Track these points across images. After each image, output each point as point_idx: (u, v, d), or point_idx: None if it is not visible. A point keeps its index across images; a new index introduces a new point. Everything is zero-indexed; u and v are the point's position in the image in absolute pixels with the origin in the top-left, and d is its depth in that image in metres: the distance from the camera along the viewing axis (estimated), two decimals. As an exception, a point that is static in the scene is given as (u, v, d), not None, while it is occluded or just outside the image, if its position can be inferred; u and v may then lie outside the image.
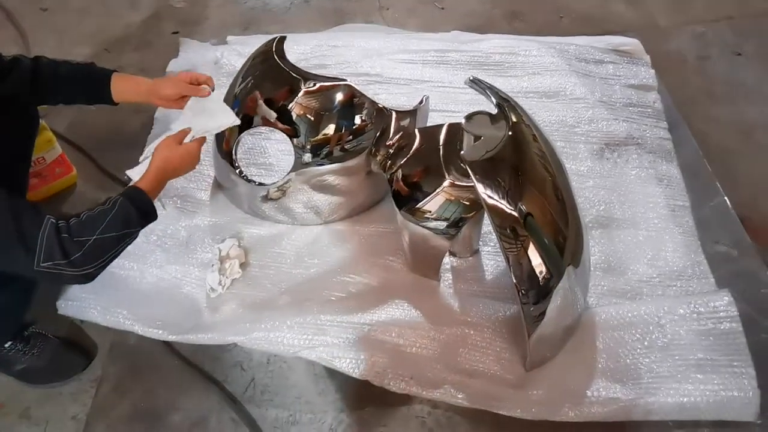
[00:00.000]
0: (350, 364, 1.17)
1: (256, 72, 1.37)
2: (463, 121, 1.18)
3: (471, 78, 1.18)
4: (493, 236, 1.25)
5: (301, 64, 1.92)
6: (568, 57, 1.86)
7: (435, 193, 1.24)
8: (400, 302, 1.25)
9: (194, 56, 2.02)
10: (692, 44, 2.03)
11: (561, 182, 1.15)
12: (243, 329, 1.21)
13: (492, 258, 1.38)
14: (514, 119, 1.14)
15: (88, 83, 1.27)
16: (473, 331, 1.21)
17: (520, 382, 1.15)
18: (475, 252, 1.40)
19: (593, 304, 1.27)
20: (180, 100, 1.30)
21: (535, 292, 1.09)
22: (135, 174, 1.22)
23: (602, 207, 1.47)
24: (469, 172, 1.05)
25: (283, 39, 1.36)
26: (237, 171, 1.41)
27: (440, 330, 1.21)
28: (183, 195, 1.54)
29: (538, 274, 1.08)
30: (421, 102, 1.39)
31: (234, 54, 1.94)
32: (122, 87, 1.27)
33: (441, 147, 1.27)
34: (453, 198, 1.23)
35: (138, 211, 1.08)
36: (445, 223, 1.23)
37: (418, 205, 1.25)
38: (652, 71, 1.82)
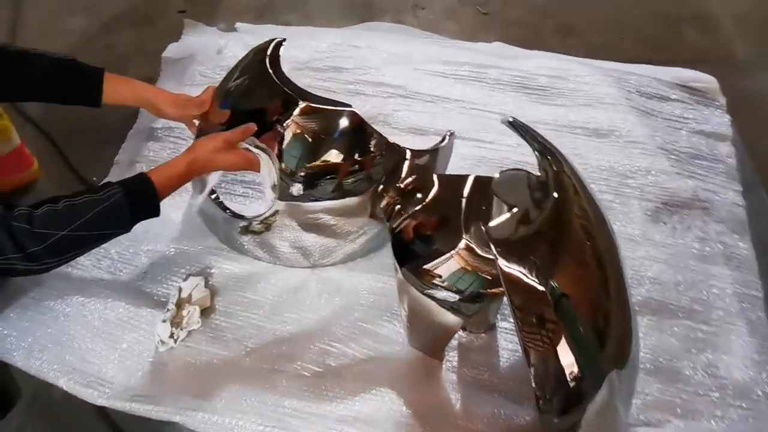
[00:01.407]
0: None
1: (250, 75, 1.11)
2: (496, 175, 0.91)
3: (510, 119, 0.91)
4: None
5: (315, 64, 1.69)
6: (628, 89, 1.57)
7: (449, 254, 0.99)
8: (386, 391, 0.99)
9: (196, 42, 1.77)
10: (776, 86, 1.73)
11: (607, 250, 0.88)
12: (188, 403, 0.97)
13: (511, 338, 1.11)
14: (554, 168, 0.87)
15: (72, 82, 1.07)
16: (477, 442, 0.95)
17: None
18: (491, 328, 1.14)
19: (635, 420, 1.00)
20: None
21: (562, 401, 0.82)
22: None
23: (654, 286, 1.19)
24: (493, 250, 0.78)
25: (279, 44, 1.10)
26: (212, 195, 1.16)
27: (435, 437, 0.95)
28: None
29: (568, 376, 0.81)
30: (443, 140, 1.12)
31: (239, 45, 1.68)
32: (116, 89, 1.09)
33: (464, 199, 1.01)
34: (470, 267, 0.97)
35: (134, 210, 0.90)
36: (457, 296, 0.98)
37: (426, 266, 1.00)
38: (727, 118, 1.51)
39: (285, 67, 1.65)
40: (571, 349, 0.80)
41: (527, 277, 0.80)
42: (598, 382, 0.83)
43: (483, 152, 1.44)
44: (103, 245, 1.19)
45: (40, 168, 1.45)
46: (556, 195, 0.84)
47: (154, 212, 0.93)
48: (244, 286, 1.18)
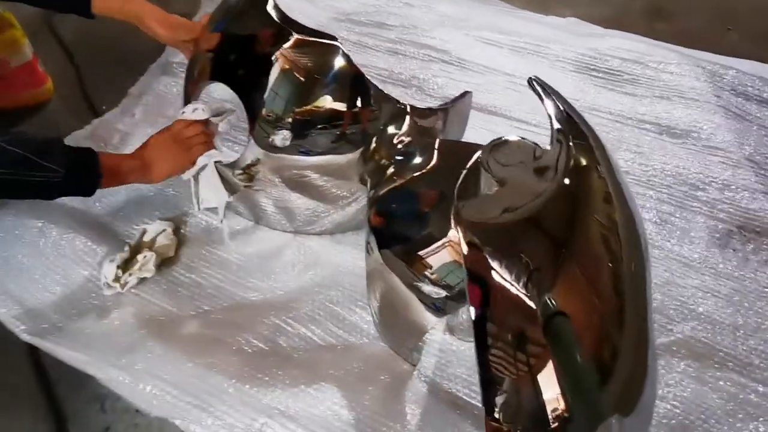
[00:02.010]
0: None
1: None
2: (509, 138, 0.71)
3: (533, 78, 0.71)
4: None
5: (357, 17, 1.52)
6: (721, 85, 1.29)
7: (443, 241, 0.81)
8: (332, 387, 0.82)
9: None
10: None
11: (632, 278, 0.67)
12: (109, 358, 0.84)
13: (504, 355, 0.91)
14: (583, 162, 0.66)
15: None
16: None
17: None
18: (482, 338, 0.94)
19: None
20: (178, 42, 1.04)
21: None
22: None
23: (703, 325, 0.94)
24: (459, 234, 0.59)
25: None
26: (192, 134, 1.04)
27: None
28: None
29: (551, 414, 0.61)
30: (459, 98, 0.92)
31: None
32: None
33: (463, 174, 0.81)
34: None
35: (70, 163, 0.84)
36: (444, 292, 0.80)
37: (415, 252, 0.82)
38: None
39: (323, 17, 1.52)
40: (560, 380, 0.61)
41: (510, 280, 0.61)
42: (592, 424, 0.63)
43: (526, 135, 1.21)
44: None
45: (55, 89, 1.39)
46: (567, 181, 0.63)
47: (89, 174, 0.87)
48: (215, 242, 1.06)
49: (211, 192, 1.03)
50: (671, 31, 1.55)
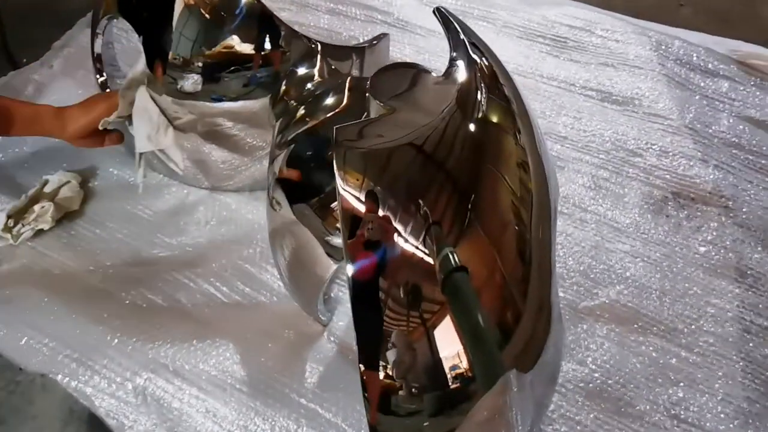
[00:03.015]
0: (116, 418, 0.71)
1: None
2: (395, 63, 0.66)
3: (438, 7, 0.66)
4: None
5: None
6: (666, 54, 1.25)
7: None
8: (228, 344, 0.77)
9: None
10: None
11: (540, 245, 0.62)
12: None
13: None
14: (493, 119, 0.62)
15: None
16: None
17: None
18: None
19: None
20: None
21: (439, 399, 0.58)
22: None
23: (629, 289, 0.90)
24: (335, 168, 0.53)
25: None
26: (99, 79, 0.97)
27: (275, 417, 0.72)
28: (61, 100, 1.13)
29: (448, 372, 0.56)
30: (375, 41, 0.87)
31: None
32: None
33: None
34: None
35: None
36: None
37: (329, 204, 0.78)
38: (789, 107, 1.18)
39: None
40: (462, 336, 0.56)
41: (401, 226, 0.55)
42: (489, 380, 0.58)
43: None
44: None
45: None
46: (472, 128, 0.58)
47: None
48: (126, 197, 0.99)
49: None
50: (626, 5, 1.52)
